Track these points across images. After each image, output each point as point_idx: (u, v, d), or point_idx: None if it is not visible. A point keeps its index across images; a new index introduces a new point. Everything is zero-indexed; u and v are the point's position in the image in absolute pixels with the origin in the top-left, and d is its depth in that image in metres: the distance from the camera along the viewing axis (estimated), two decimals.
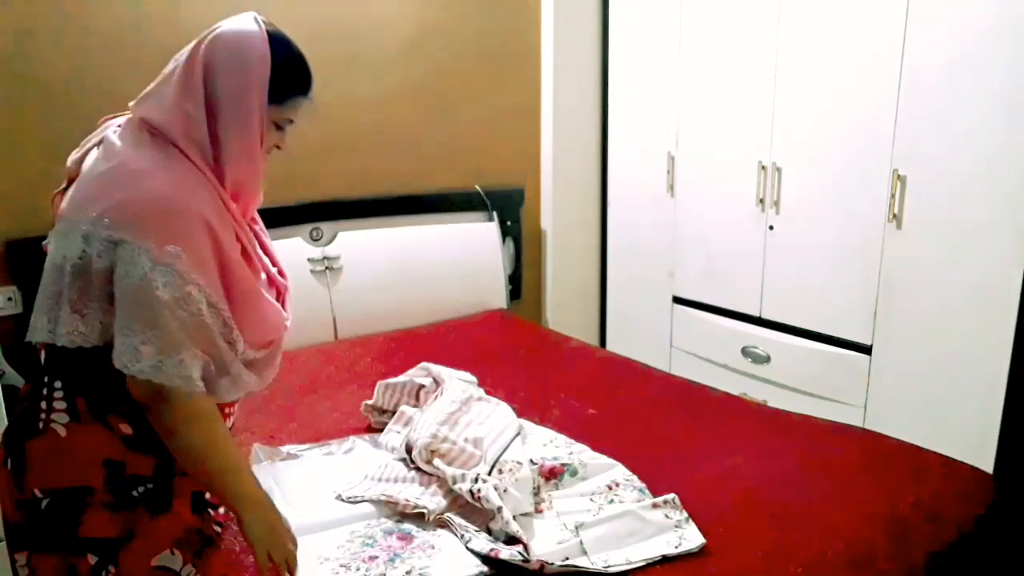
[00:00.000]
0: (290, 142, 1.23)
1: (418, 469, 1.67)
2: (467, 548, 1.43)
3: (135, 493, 1.11)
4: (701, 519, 1.52)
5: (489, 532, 1.48)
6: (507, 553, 1.38)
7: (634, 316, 3.43)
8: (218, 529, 1.29)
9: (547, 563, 1.37)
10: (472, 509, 1.54)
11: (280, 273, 1.28)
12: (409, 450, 1.70)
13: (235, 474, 1.15)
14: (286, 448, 1.86)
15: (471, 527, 1.48)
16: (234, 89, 1.09)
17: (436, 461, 1.63)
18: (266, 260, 1.24)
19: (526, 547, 1.40)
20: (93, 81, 2.32)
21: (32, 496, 1.08)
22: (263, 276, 1.21)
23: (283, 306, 1.25)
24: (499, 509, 1.45)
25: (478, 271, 3.14)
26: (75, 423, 1.09)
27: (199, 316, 1.04)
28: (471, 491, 1.51)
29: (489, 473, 1.59)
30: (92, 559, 1.09)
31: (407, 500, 1.56)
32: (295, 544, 1.21)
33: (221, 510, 1.30)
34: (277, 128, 1.17)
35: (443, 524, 1.52)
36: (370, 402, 2.06)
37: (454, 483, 1.56)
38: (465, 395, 1.89)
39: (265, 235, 1.29)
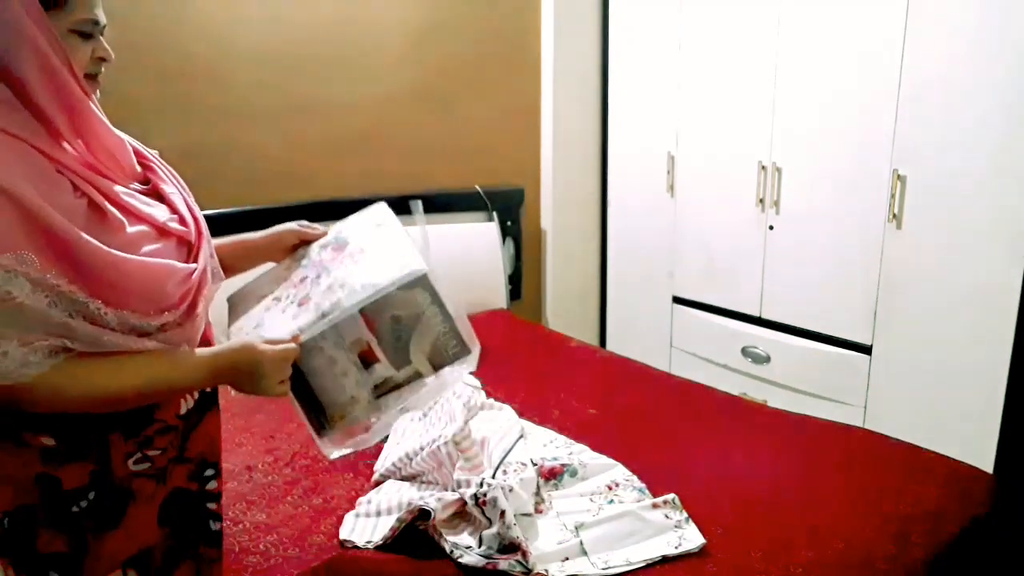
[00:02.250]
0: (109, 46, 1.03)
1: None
2: (458, 564, 1.39)
3: (75, 509, 1.01)
4: (701, 519, 1.52)
5: (480, 542, 1.43)
6: (505, 563, 1.37)
7: (634, 316, 3.43)
8: (217, 527, 1.18)
9: (547, 573, 1.36)
10: (465, 519, 1.50)
11: (182, 220, 1.08)
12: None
13: (169, 371, 1.02)
14: None
15: (461, 543, 1.44)
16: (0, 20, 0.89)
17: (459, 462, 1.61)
18: (149, 209, 1.04)
19: (525, 554, 1.39)
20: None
21: None
22: (139, 228, 1.00)
23: (192, 257, 1.07)
24: (502, 514, 1.43)
25: (478, 271, 3.14)
26: (1, 444, 0.99)
27: (11, 300, 0.87)
28: (475, 495, 1.49)
29: (493, 476, 1.59)
30: (54, 575, 1.03)
31: (411, 501, 1.56)
32: (282, 359, 1.09)
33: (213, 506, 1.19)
34: (83, 37, 0.96)
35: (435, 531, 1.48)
36: None
37: (458, 487, 1.54)
38: (472, 402, 1.88)
39: (166, 177, 1.13)
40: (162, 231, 1.03)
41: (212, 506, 1.17)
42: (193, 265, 1.05)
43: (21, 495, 1.00)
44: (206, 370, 1.06)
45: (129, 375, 0.99)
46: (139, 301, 0.97)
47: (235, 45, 2.58)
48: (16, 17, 0.89)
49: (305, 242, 1.34)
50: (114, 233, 0.96)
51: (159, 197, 1.10)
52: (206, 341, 1.16)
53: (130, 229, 0.98)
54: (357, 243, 1.27)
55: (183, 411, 1.11)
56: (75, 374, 0.95)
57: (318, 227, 1.35)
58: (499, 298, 3.19)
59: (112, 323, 0.96)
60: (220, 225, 2.49)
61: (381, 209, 1.37)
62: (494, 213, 3.19)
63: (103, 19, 1.00)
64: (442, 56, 3.04)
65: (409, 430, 1.82)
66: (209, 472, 1.16)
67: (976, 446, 2.22)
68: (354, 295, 1.15)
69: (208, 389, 1.14)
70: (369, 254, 1.24)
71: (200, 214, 1.14)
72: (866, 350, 2.52)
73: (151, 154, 1.15)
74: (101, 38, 1.01)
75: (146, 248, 1.00)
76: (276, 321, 1.20)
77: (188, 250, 1.07)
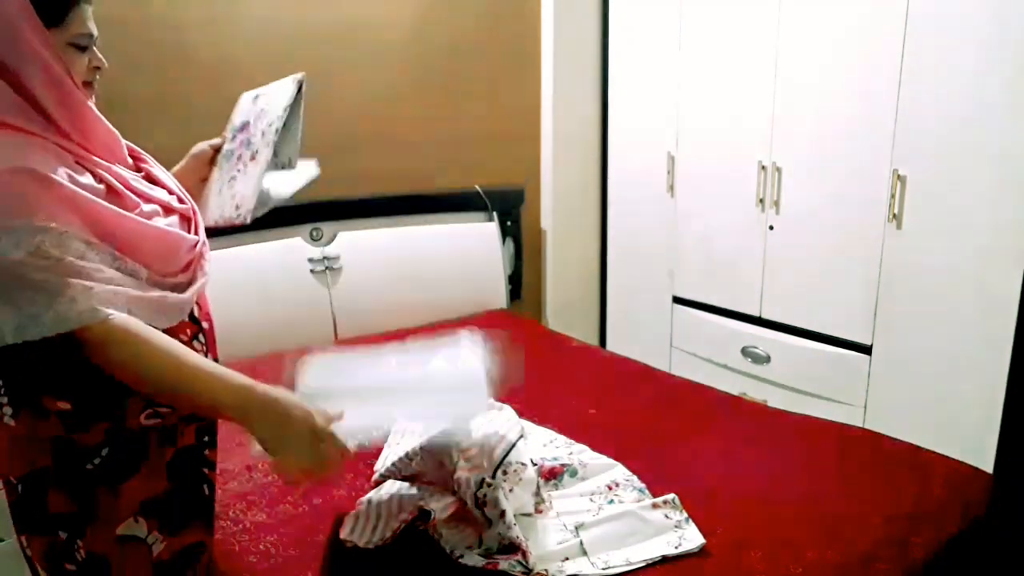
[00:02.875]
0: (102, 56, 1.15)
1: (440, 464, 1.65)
2: (458, 564, 1.39)
3: (89, 466, 1.10)
4: (701, 519, 1.52)
5: (480, 542, 1.44)
6: (506, 564, 1.37)
7: (634, 316, 3.43)
8: (208, 492, 1.25)
9: (547, 573, 1.36)
10: (465, 519, 1.51)
11: (180, 200, 1.24)
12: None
13: (205, 380, 1.05)
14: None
15: (461, 543, 1.44)
16: (5, 37, 1.01)
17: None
18: (155, 192, 1.19)
19: (525, 555, 1.38)
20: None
21: (10, 483, 1.12)
22: (152, 207, 1.16)
23: (193, 230, 1.22)
24: (502, 514, 1.43)
25: (478, 271, 3.14)
26: (20, 411, 1.08)
27: (66, 257, 0.99)
28: (475, 495, 1.49)
29: (493, 476, 1.58)
30: (63, 535, 1.11)
31: (411, 501, 1.55)
32: (326, 427, 1.07)
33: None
34: (79, 49, 1.09)
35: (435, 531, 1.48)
36: None
37: (458, 487, 1.54)
38: None
39: (156, 166, 1.26)
40: (168, 209, 1.19)
41: (206, 470, 1.25)
42: (196, 237, 1.21)
43: (37, 459, 1.09)
44: (235, 391, 1.06)
45: (174, 358, 1.05)
46: (157, 261, 1.12)
47: (235, 45, 2.58)
48: (25, 38, 1.01)
49: (216, 149, 1.53)
50: (131, 211, 1.10)
51: (153, 182, 1.23)
52: (206, 316, 1.28)
53: (145, 208, 1.13)
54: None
55: None
56: (129, 336, 1.03)
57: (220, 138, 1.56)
58: (499, 298, 3.19)
59: (144, 278, 1.09)
60: None
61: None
62: (494, 213, 3.19)
63: (96, 31, 1.12)
64: (442, 56, 3.04)
65: (409, 430, 1.82)
66: (206, 439, 1.25)
67: (976, 446, 2.22)
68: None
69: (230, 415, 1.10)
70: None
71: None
72: (866, 350, 2.52)
73: (138, 148, 1.28)
74: (95, 48, 1.13)
75: (160, 223, 1.15)
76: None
77: (189, 225, 1.22)
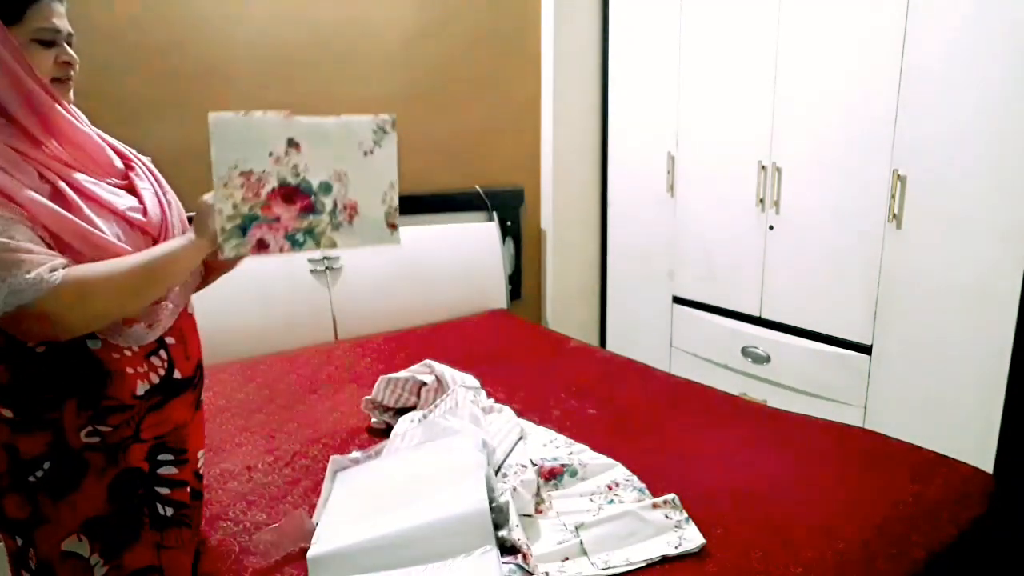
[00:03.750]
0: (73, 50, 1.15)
1: None
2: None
3: (32, 478, 1.10)
4: (701, 519, 1.52)
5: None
6: (506, 567, 1.37)
7: (634, 316, 3.43)
8: (168, 512, 1.21)
9: (547, 574, 1.36)
10: None
11: (145, 213, 1.18)
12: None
13: (172, 256, 1.11)
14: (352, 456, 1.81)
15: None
16: None
17: None
18: (111, 198, 1.15)
19: (525, 557, 1.38)
20: (96, 83, 2.32)
21: None
22: (101, 213, 1.13)
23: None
24: (508, 518, 1.44)
25: (478, 271, 3.14)
26: None
27: (15, 241, 1.01)
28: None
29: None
30: (19, 540, 1.12)
31: None
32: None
33: (166, 491, 1.23)
34: (44, 45, 1.09)
35: None
36: (370, 397, 2.05)
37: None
38: (474, 414, 1.87)
39: (142, 178, 1.23)
40: (121, 217, 1.14)
41: (164, 491, 1.21)
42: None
43: None
44: (186, 240, 1.12)
45: (128, 262, 1.08)
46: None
47: (235, 45, 2.58)
48: None
49: None
50: (73, 214, 1.08)
51: (133, 192, 1.20)
52: (193, 335, 1.27)
53: (87, 212, 1.10)
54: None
55: (140, 392, 1.16)
56: (88, 276, 1.04)
57: None
58: (499, 298, 3.19)
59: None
60: None
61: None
62: (494, 213, 3.19)
63: (65, 28, 1.12)
64: (442, 56, 3.04)
65: (410, 433, 1.82)
66: (165, 457, 1.21)
67: (976, 446, 2.23)
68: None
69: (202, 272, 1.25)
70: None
71: (179, 213, 1.26)
72: (866, 350, 2.52)
73: (139, 157, 1.26)
74: (65, 45, 1.12)
75: (102, 225, 1.11)
76: None
77: (153, 242, 1.17)
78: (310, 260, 2.75)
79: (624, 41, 3.25)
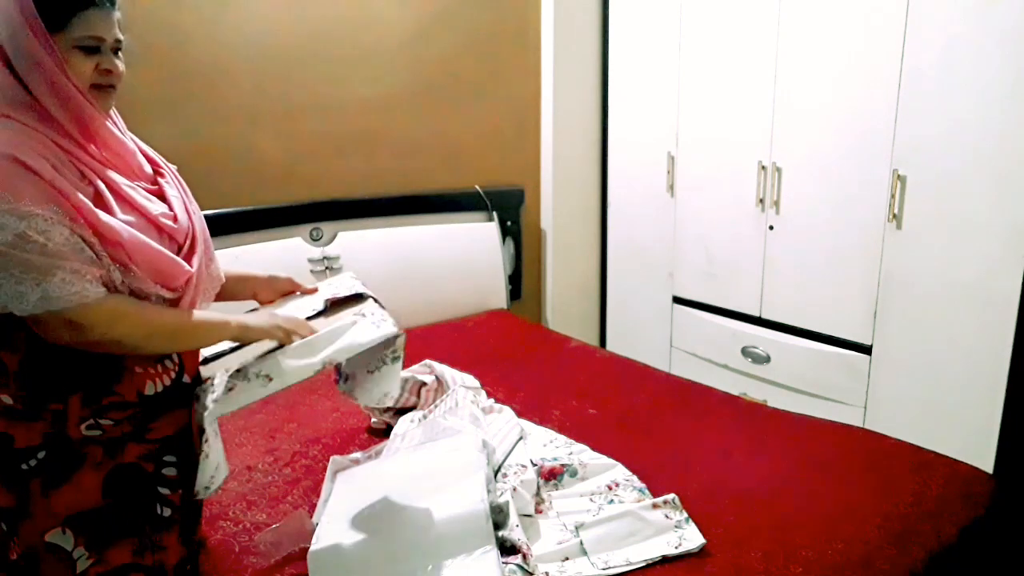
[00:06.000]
0: (120, 60, 1.20)
1: None
2: None
3: (24, 467, 1.11)
4: (701, 519, 1.52)
5: None
6: (507, 567, 1.37)
7: (634, 316, 3.43)
8: (166, 512, 1.22)
9: (547, 574, 1.36)
10: None
11: (175, 219, 1.21)
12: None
13: (207, 329, 1.23)
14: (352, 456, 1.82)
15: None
16: (8, 38, 1.07)
17: None
18: (145, 203, 1.18)
19: (525, 557, 1.39)
20: None
21: None
22: (135, 217, 1.15)
23: (187, 257, 1.21)
24: (507, 518, 1.44)
25: (478, 271, 3.14)
26: None
27: (54, 242, 1.03)
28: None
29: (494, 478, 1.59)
30: (3, 526, 1.13)
31: None
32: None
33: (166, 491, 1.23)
34: (85, 52, 1.12)
35: None
36: None
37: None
38: (474, 417, 1.88)
39: (171, 184, 1.26)
40: (152, 222, 1.17)
41: (165, 492, 1.22)
42: (189, 266, 1.21)
43: None
44: (235, 325, 1.27)
45: (172, 314, 1.17)
46: (143, 267, 1.13)
47: (235, 45, 2.58)
48: (29, 45, 1.06)
49: (293, 292, 1.53)
50: (109, 214, 1.11)
51: (163, 198, 1.23)
52: None
53: (122, 216, 1.12)
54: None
55: (148, 392, 1.18)
56: (126, 308, 1.11)
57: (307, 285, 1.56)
58: (499, 298, 3.19)
59: (122, 281, 1.12)
60: (220, 225, 2.48)
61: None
62: (494, 213, 3.19)
63: (111, 36, 1.16)
64: (442, 56, 3.04)
65: (410, 433, 1.82)
66: (169, 458, 1.22)
67: (976, 446, 2.23)
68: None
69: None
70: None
71: (201, 222, 1.28)
72: (866, 350, 2.52)
73: (168, 166, 1.30)
74: (111, 54, 1.16)
75: (137, 234, 1.14)
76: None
77: (178, 249, 1.20)
78: (310, 260, 2.75)
79: (624, 41, 3.25)
